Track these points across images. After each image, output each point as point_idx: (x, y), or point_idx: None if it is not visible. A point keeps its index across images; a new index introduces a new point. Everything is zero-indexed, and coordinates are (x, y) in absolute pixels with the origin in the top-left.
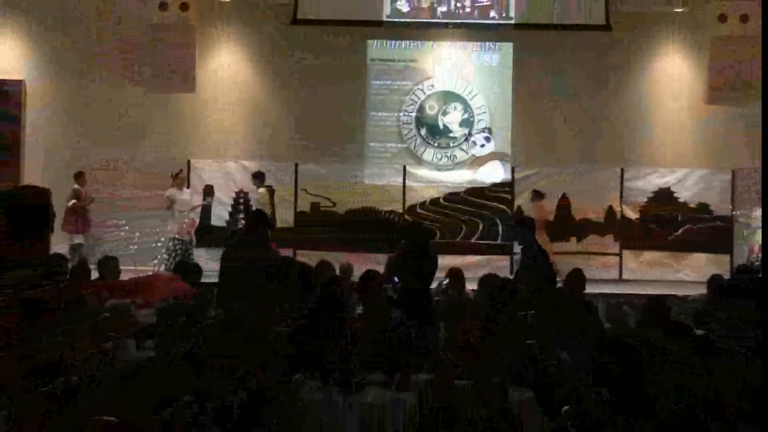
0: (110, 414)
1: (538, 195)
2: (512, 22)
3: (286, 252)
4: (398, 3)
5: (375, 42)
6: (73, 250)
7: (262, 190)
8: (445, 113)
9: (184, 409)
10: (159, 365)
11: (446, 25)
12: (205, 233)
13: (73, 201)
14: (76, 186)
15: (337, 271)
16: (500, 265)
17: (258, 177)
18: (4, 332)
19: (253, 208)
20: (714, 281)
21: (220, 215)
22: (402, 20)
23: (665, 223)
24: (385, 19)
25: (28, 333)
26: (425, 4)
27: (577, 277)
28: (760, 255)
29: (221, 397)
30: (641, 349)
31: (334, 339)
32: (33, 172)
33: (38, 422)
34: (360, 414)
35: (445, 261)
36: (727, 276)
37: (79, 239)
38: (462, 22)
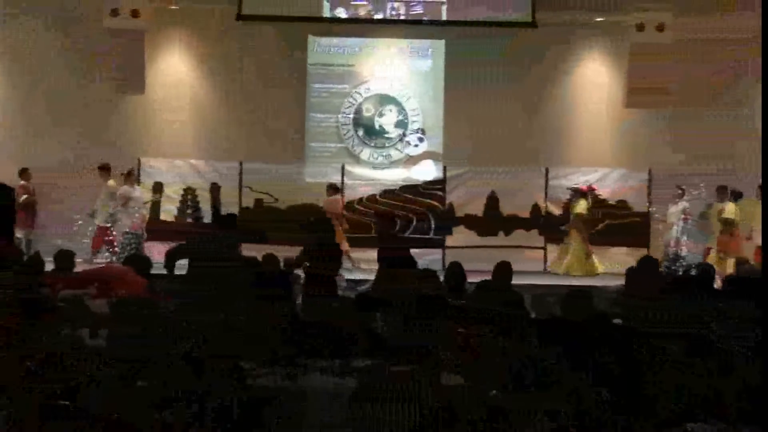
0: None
1: (332, 189)
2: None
3: None
4: (336, 10)
5: (316, 47)
6: (26, 244)
7: (110, 182)
8: (381, 115)
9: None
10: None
11: (381, 23)
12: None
13: (25, 196)
14: (23, 182)
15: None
16: (433, 259)
17: (104, 169)
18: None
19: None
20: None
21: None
22: (341, 17)
23: (587, 219)
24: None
25: None
26: (362, 12)
27: (504, 269)
28: (676, 249)
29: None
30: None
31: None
32: None
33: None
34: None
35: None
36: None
37: (28, 234)
38: (397, 21)
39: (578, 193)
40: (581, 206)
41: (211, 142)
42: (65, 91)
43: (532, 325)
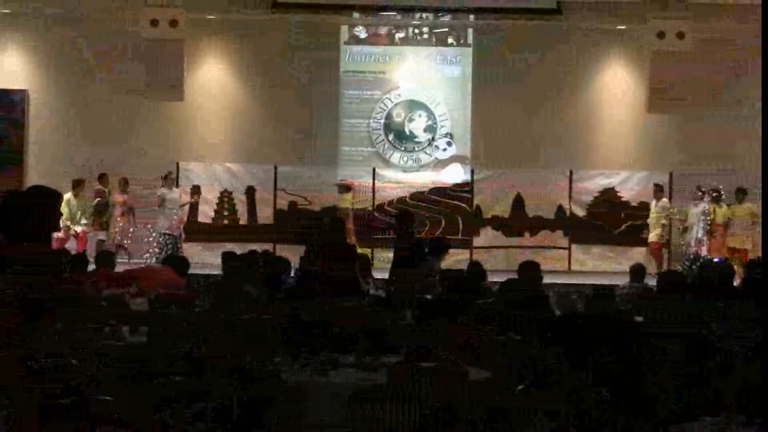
0: (110, 414)
1: (123, 182)
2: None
3: (266, 247)
4: (356, 29)
5: (348, 55)
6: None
7: (66, 195)
8: (410, 120)
9: (185, 409)
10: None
11: (413, 15)
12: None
13: (98, 200)
14: (98, 186)
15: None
16: (460, 258)
17: (76, 184)
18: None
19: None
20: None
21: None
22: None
23: (609, 220)
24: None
25: (30, 329)
26: (383, 32)
27: (530, 268)
28: (696, 249)
29: (221, 397)
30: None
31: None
32: (35, 175)
33: (38, 422)
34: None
35: None
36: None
37: (102, 235)
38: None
39: (344, 188)
40: (347, 200)
41: (246, 147)
42: (107, 98)
43: (553, 323)
